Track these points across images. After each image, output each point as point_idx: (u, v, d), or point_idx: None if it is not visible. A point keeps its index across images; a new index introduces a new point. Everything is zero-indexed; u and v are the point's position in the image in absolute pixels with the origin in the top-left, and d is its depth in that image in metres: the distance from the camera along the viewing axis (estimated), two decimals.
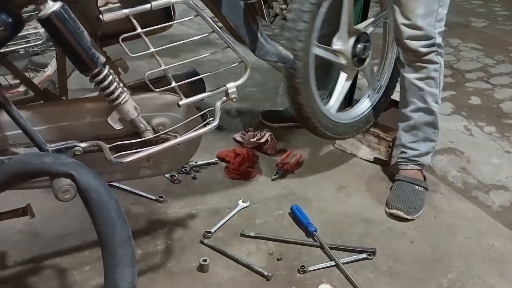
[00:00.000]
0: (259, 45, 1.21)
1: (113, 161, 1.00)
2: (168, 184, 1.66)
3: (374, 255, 1.38)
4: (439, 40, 1.51)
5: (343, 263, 1.33)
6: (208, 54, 1.15)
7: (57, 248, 1.37)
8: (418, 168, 1.67)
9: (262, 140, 1.78)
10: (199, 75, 1.48)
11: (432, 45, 1.49)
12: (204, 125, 1.14)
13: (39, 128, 1.03)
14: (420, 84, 1.56)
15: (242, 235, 1.44)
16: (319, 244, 1.40)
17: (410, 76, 1.56)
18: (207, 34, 1.08)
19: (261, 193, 1.65)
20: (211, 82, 1.26)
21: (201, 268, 1.31)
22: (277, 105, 2.25)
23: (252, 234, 1.44)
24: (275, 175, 1.72)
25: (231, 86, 1.16)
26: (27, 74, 2.28)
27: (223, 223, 1.49)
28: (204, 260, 1.30)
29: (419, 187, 1.62)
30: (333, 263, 1.34)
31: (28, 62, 2.15)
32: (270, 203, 1.60)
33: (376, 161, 1.83)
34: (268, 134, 1.82)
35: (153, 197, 1.59)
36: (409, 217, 1.54)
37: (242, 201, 1.59)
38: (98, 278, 1.27)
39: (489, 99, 2.49)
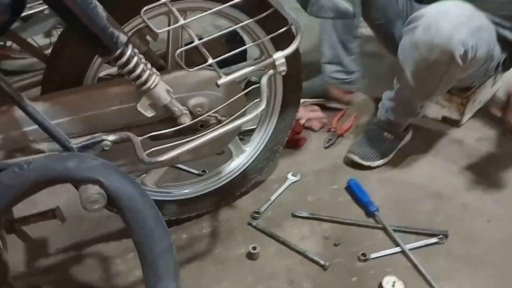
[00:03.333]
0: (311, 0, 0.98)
1: (146, 161, 0.86)
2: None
3: (446, 238, 1.21)
4: None
5: (410, 249, 1.18)
6: (249, 20, 0.94)
7: (99, 232, 1.30)
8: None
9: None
10: (239, 35, 1.29)
11: None
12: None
13: (59, 121, 0.89)
14: None
15: (294, 215, 1.30)
16: (381, 226, 1.25)
17: None
18: None
19: (312, 164, 1.48)
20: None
21: (251, 256, 1.19)
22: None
23: (305, 214, 1.29)
24: (327, 142, 1.53)
25: (279, 56, 0.96)
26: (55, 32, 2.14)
27: (272, 201, 1.35)
28: (254, 248, 1.19)
29: (389, 134, 1.44)
30: (398, 249, 1.19)
31: (55, 21, 1.99)
32: (323, 176, 1.43)
33: (445, 120, 1.59)
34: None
35: (196, 171, 1.47)
36: (365, 163, 1.42)
37: (292, 174, 1.43)
38: None
39: None
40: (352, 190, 1.34)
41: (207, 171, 1.46)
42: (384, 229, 1.24)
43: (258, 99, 0.95)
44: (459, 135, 1.55)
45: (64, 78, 0.91)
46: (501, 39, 1.26)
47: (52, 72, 0.91)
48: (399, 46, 1.27)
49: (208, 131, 0.94)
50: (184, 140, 0.91)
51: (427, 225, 1.26)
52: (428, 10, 1.18)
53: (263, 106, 0.92)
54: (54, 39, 2.15)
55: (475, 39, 1.15)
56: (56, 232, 1.30)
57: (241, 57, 1.20)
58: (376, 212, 1.27)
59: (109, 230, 1.30)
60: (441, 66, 1.18)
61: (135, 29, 0.94)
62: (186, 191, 1.25)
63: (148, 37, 1.14)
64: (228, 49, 1.20)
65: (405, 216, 1.29)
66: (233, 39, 1.25)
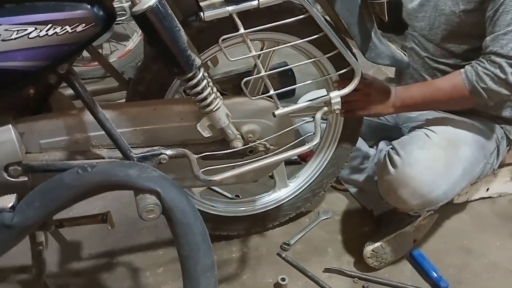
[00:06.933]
0: (371, 46, 1.03)
1: (201, 178, 0.89)
2: None
3: None
4: None
5: None
6: (314, 59, 0.99)
7: (131, 243, 1.33)
8: None
9: None
10: (291, 70, 1.34)
11: None
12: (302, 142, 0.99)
13: (123, 130, 0.94)
14: None
15: (326, 269, 1.26)
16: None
17: None
18: (317, 35, 0.92)
19: (344, 203, 1.50)
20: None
21: (279, 287, 1.20)
22: None
23: (336, 268, 1.25)
24: None
25: (335, 95, 1.00)
26: (108, 46, 2.25)
27: (302, 235, 1.36)
28: (283, 279, 1.19)
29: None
30: None
31: (110, 36, 2.10)
32: (355, 216, 1.45)
33: None
34: None
35: (229, 195, 1.50)
36: None
37: (324, 211, 1.45)
38: (171, 283, 1.21)
39: None
40: (417, 262, 1.29)
41: (240, 196, 1.49)
42: None
43: (312, 133, 0.99)
44: None
45: (149, 90, 0.99)
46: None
47: (139, 84, 0.99)
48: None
49: (259, 157, 0.98)
50: (237, 163, 0.95)
51: (454, 278, 1.25)
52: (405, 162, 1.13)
53: (317, 140, 0.96)
54: (105, 51, 2.25)
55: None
56: (89, 237, 1.33)
57: (292, 93, 1.25)
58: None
59: (141, 242, 1.33)
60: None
61: (211, 56, 0.99)
62: (228, 208, 1.28)
63: (209, 63, 1.21)
64: (279, 82, 1.27)
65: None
66: (285, 73, 1.30)
